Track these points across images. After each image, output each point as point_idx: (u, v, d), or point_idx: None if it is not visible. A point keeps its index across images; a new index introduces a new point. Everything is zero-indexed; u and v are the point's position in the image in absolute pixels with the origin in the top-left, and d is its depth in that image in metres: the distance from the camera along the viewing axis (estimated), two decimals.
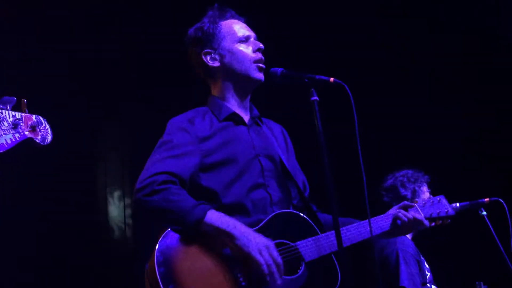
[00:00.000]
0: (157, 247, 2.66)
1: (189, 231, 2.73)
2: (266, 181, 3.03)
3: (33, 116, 2.12)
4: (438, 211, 3.50)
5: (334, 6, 6.24)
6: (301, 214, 3.01)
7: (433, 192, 4.99)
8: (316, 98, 2.87)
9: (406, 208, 3.28)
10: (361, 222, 3.11)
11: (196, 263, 2.69)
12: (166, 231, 2.72)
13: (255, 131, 3.17)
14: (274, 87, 3.14)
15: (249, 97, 3.22)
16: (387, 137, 6.44)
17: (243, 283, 2.70)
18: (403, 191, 4.92)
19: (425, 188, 4.99)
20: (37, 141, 2.10)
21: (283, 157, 3.16)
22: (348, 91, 2.86)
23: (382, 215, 3.21)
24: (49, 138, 2.14)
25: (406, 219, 3.20)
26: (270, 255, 2.72)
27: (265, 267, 2.70)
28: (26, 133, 2.06)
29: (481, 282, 4.50)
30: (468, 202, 4.73)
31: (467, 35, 6.41)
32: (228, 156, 2.99)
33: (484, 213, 4.64)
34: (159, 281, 2.59)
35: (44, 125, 2.14)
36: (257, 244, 2.72)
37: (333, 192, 2.67)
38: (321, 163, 2.74)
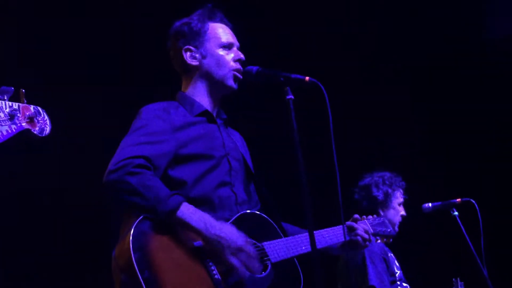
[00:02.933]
0: (131, 232, 2.60)
1: (160, 219, 2.69)
2: (232, 181, 3.04)
3: (31, 107, 2.05)
4: (383, 229, 3.63)
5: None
6: (266, 217, 3.03)
7: (409, 197, 5.04)
8: (291, 96, 2.88)
9: (356, 221, 3.42)
10: (321, 230, 3.19)
11: (170, 251, 2.67)
12: (140, 217, 2.66)
13: (224, 131, 3.20)
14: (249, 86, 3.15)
15: (219, 102, 3.23)
16: (363, 138, 6.47)
17: (216, 276, 2.71)
18: (375, 191, 4.96)
19: (399, 194, 5.03)
20: (35, 132, 2.04)
21: (248, 161, 3.21)
22: (323, 90, 2.87)
23: (333, 227, 3.28)
24: (48, 129, 2.08)
25: (360, 230, 3.34)
26: (245, 252, 2.74)
27: (240, 268, 2.72)
28: (23, 124, 2.00)
29: (458, 279, 4.56)
30: (440, 203, 4.80)
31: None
32: (201, 150, 2.98)
33: (456, 213, 4.70)
34: (135, 265, 2.54)
35: (42, 116, 2.08)
36: (229, 245, 2.72)
37: (307, 192, 2.68)
38: (295, 162, 2.75)
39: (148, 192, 2.68)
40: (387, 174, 5.03)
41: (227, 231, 2.76)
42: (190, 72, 3.20)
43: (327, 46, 6.30)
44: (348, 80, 6.26)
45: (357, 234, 3.33)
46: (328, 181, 2.87)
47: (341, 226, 3.25)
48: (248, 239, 2.81)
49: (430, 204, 4.88)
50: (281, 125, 3.01)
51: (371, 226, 3.53)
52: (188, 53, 3.18)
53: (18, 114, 2.00)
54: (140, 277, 2.53)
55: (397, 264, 4.90)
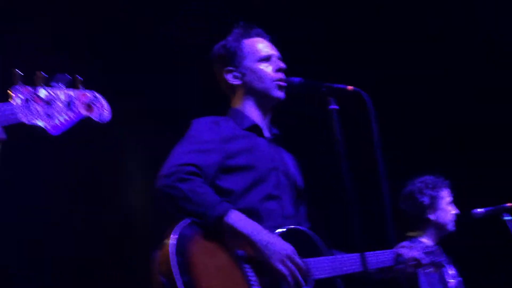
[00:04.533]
0: (174, 235, 2.63)
1: (208, 225, 2.71)
2: (280, 194, 3.04)
3: (88, 93, 1.99)
4: (435, 258, 3.42)
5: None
6: (313, 234, 3.01)
7: (456, 198, 4.93)
8: (335, 107, 2.86)
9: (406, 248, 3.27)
10: (369, 252, 3.05)
11: (212, 258, 2.68)
12: (184, 221, 2.69)
13: (274, 146, 3.20)
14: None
15: (269, 115, 3.24)
16: (408, 144, 6.37)
17: (255, 287, 2.69)
18: (420, 197, 4.86)
19: (445, 193, 4.92)
20: (95, 119, 1.99)
21: (297, 178, 3.20)
22: (367, 99, 2.83)
23: (381, 250, 3.17)
24: (106, 114, 2.02)
25: (408, 257, 3.20)
26: (293, 262, 2.73)
27: (289, 277, 2.71)
28: (82, 111, 1.95)
29: None
30: (492, 207, 4.69)
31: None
32: (249, 162, 3.00)
33: (508, 217, 4.60)
34: (177, 269, 2.57)
35: (100, 101, 2.01)
36: (278, 253, 2.72)
37: (355, 209, 2.63)
38: (340, 174, 2.70)
39: (198, 198, 2.73)
40: (428, 178, 4.93)
41: (276, 239, 2.78)
42: (236, 91, 3.23)
43: (369, 54, 6.23)
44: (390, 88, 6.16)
45: (404, 262, 3.20)
46: (376, 194, 2.81)
47: (390, 250, 3.16)
48: (295, 252, 2.79)
49: (481, 210, 4.77)
50: (325, 136, 2.97)
51: (423, 254, 3.32)
52: (230, 74, 3.21)
53: (76, 102, 1.95)
54: (180, 281, 2.56)
55: (452, 272, 4.78)
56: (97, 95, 2.03)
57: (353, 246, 2.77)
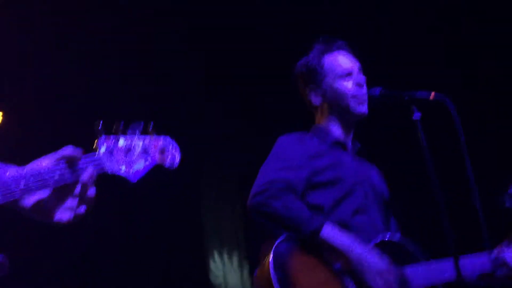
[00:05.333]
0: (272, 252, 2.68)
1: (303, 240, 2.75)
2: (368, 207, 3.05)
3: (161, 138, 2.05)
4: None
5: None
6: (406, 243, 2.99)
7: None
8: (419, 115, 2.84)
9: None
10: (466, 256, 2.96)
11: (310, 272, 2.72)
12: (281, 238, 2.74)
13: (358, 160, 3.21)
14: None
15: (353, 130, 3.25)
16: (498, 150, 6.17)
17: None
18: None
19: None
20: (166, 165, 2.04)
21: (384, 190, 3.20)
22: (451, 106, 2.80)
23: (479, 252, 3.02)
24: (177, 158, 2.05)
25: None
26: (390, 275, 2.74)
27: None
28: (156, 157, 2.01)
29: None
30: None
31: None
32: (335, 177, 3.02)
33: None
34: (278, 285, 2.61)
35: (172, 145, 2.06)
36: (370, 269, 2.73)
37: (446, 214, 2.60)
38: (430, 183, 2.67)
39: (292, 213, 2.78)
40: None
41: (371, 254, 2.78)
42: (318, 108, 3.25)
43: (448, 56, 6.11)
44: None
45: (507, 265, 3.06)
46: (467, 200, 2.76)
47: (485, 253, 3.02)
48: (391, 264, 2.79)
49: None
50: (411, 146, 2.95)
51: None
52: (312, 93, 3.23)
53: (151, 148, 2.02)
54: None
55: None
56: (169, 139, 2.08)
57: (447, 253, 2.72)
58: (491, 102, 6.20)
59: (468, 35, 5.92)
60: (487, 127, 6.15)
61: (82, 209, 1.80)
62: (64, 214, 1.80)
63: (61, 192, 1.81)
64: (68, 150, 1.80)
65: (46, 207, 1.80)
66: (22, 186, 1.73)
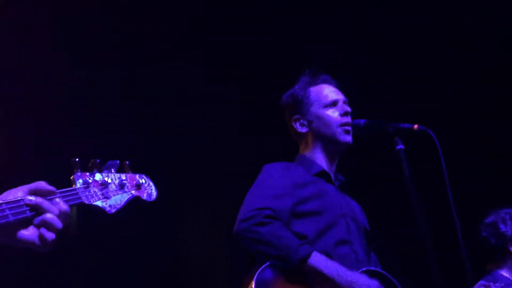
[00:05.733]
0: (254, 279, 2.66)
1: (290, 268, 2.74)
2: (351, 239, 3.04)
3: (137, 176, 2.19)
4: None
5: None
6: (389, 275, 2.99)
7: None
8: (402, 146, 2.88)
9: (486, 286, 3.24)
10: None
11: None
12: (264, 265, 2.72)
13: (340, 193, 3.22)
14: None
15: (336, 160, 3.27)
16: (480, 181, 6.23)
17: None
18: (503, 228, 4.75)
19: None
20: (144, 198, 2.18)
21: (365, 223, 3.21)
22: (434, 137, 2.84)
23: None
24: (154, 193, 2.21)
25: None
26: None
27: None
28: (133, 192, 2.14)
29: None
30: None
31: None
32: (319, 208, 3.02)
33: None
34: None
35: (147, 182, 2.20)
36: None
37: (430, 243, 2.62)
38: (413, 212, 2.70)
39: (279, 241, 2.76)
40: None
41: (360, 277, 2.79)
42: (304, 138, 3.28)
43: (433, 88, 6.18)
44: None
45: None
46: (451, 231, 2.79)
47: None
48: (381, 285, 2.80)
49: None
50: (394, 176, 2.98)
51: None
52: (297, 123, 3.27)
53: (127, 183, 2.14)
54: None
55: None
56: (145, 177, 2.23)
57: (431, 285, 2.75)
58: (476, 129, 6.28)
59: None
60: (470, 156, 6.21)
61: (51, 235, 1.81)
62: (32, 235, 1.80)
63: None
64: (41, 185, 1.85)
65: (12, 229, 1.80)
66: None
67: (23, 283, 5.10)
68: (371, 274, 2.89)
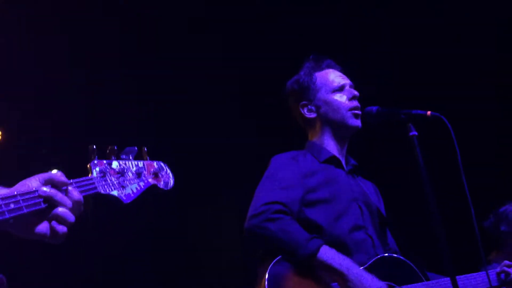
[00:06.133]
0: (267, 273, 2.68)
1: (300, 263, 2.74)
2: (365, 224, 3.04)
3: (155, 163, 2.16)
4: None
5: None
6: (406, 260, 2.98)
7: None
8: (415, 133, 2.85)
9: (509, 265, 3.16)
10: (464, 275, 3.02)
11: None
12: (277, 258, 2.73)
13: (352, 177, 3.21)
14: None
15: (346, 145, 3.26)
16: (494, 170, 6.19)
17: None
18: (503, 227, 4.70)
19: None
20: (160, 186, 2.15)
21: (381, 207, 3.19)
22: (447, 123, 2.81)
23: (480, 272, 3.08)
24: (171, 182, 2.18)
25: None
26: None
27: None
28: (150, 180, 2.11)
29: None
30: None
31: None
32: (330, 195, 3.02)
33: None
34: None
35: (165, 170, 2.18)
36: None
37: (443, 234, 2.59)
38: (426, 200, 2.68)
39: (288, 237, 2.76)
40: (510, 208, 4.70)
41: (367, 274, 2.77)
42: (312, 124, 3.28)
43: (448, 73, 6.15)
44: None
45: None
46: (464, 218, 2.77)
47: (482, 272, 3.06)
48: (389, 284, 2.78)
49: None
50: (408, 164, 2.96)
51: None
52: (305, 108, 3.26)
53: (144, 172, 2.12)
54: None
55: None
56: (163, 164, 2.20)
57: (443, 270, 2.74)
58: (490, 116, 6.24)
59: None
60: (484, 142, 6.18)
61: (63, 229, 1.80)
62: (44, 228, 1.80)
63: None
64: (57, 176, 1.83)
65: (25, 221, 1.79)
66: (12, 206, 1.73)
67: (32, 274, 5.14)
68: (383, 263, 2.89)
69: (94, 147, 1.98)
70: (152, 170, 2.14)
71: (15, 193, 1.75)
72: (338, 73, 3.30)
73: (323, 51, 3.38)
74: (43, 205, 1.77)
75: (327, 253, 2.75)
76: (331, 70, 3.30)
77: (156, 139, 5.40)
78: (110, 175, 2.00)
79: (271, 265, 2.70)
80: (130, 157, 2.09)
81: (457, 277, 2.72)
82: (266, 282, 2.65)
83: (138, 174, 2.09)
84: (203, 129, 5.89)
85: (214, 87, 5.84)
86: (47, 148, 5.17)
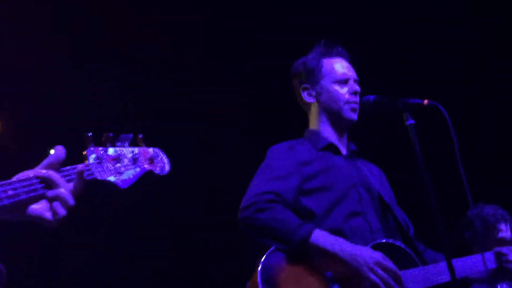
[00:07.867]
0: (260, 265, 2.68)
1: (293, 250, 2.74)
2: (364, 210, 3.02)
3: (150, 149, 2.18)
4: None
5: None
6: (403, 246, 2.97)
7: None
8: (412, 121, 2.86)
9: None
10: (461, 258, 3.04)
11: (299, 284, 2.69)
12: (270, 250, 2.73)
13: (351, 163, 3.20)
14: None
15: (346, 134, 3.26)
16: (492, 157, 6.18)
17: None
18: (467, 233, 4.65)
19: (503, 226, 4.67)
20: (156, 172, 2.17)
21: (380, 190, 3.16)
22: (444, 112, 2.82)
23: (476, 254, 3.13)
24: (167, 167, 2.20)
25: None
26: (383, 269, 2.72)
27: (381, 284, 2.70)
28: (146, 166, 2.13)
29: None
30: None
31: None
32: (327, 182, 3.01)
33: None
34: None
35: (160, 156, 2.20)
36: (367, 262, 2.71)
37: (440, 219, 2.61)
38: (423, 188, 2.69)
39: (279, 225, 2.76)
40: (488, 209, 4.62)
41: (362, 249, 2.76)
42: (310, 108, 3.28)
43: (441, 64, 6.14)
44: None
45: (509, 261, 3.13)
46: (461, 206, 2.78)
47: (478, 254, 3.11)
48: (386, 257, 2.77)
49: None
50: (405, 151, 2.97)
51: None
52: (305, 92, 3.27)
53: (140, 157, 2.13)
54: None
55: None
56: (158, 150, 2.22)
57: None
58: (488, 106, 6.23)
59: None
60: (481, 132, 6.18)
61: (62, 211, 1.80)
62: (42, 208, 1.79)
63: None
64: (53, 157, 1.84)
65: (23, 204, 1.79)
66: (10, 193, 1.74)
67: (29, 265, 5.15)
68: (381, 248, 2.86)
69: (90, 134, 2.00)
70: (147, 156, 2.16)
71: (14, 179, 1.76)
72: (346, 64, 3.28)
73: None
74: (41, 191, 1.78)
75: (319, 237, 2.74)
76: (339, 59, 3.28)
77: (153, 123, 5.39)
78: (107, 162, 2.01)
79: (264, 256, 2.71)
80: (126, 144, 2.11)
81: (453, 260, 2.75)
82: (258, 274, 2.65)
83: (134, 160, 2.11)
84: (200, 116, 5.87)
85: (214, 87, 5.83)
86: (40, 139, 5.16)
